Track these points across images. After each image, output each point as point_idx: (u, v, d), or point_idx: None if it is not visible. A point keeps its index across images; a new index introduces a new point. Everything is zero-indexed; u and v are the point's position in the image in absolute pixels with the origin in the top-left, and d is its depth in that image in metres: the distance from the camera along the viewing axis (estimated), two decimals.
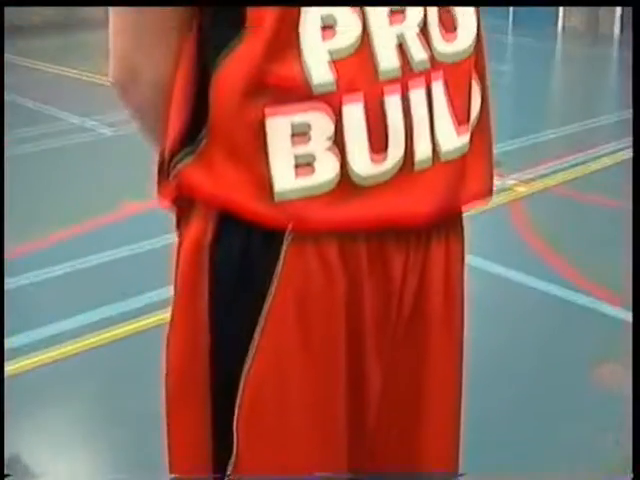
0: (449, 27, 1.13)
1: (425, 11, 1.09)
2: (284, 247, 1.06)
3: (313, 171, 1.04)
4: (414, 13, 1.08)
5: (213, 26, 1.06)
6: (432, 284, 1.18)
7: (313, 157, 1.04)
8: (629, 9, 11.56)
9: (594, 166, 5.82)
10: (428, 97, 1.09)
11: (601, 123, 7.15)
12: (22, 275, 4.03)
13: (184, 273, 1.13)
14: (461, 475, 1.31)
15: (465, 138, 1.15)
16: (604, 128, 7.01)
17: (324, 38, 1.02)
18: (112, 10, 1.09)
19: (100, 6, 13.63)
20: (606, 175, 5.63)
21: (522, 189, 5.32)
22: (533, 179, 5.49)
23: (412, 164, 1.09)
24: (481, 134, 1.21)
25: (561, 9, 13.70)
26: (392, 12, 1.06)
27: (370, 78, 1.04)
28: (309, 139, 1.04)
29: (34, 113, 7.81)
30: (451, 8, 1.12)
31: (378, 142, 1.06)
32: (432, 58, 1.10)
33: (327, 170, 1.05)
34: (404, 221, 1.10)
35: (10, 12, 14.56)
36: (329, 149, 1.04)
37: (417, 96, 1.08)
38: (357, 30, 1.04)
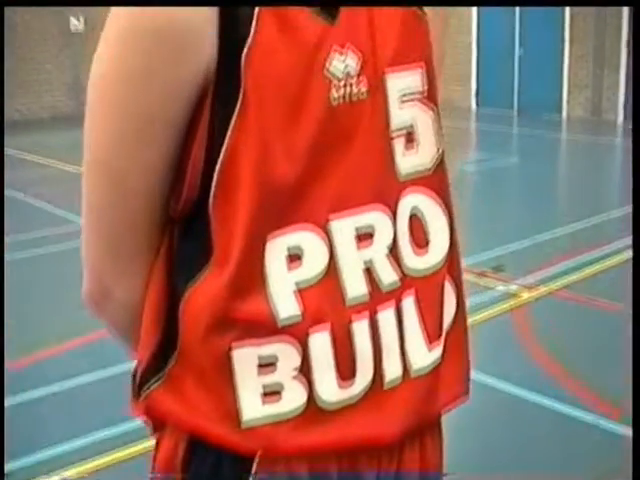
0: (421, 243, 1.13)
1: (395, 232, 1.09)
2: (254, 469, 1.06)
3: (280, 399, 1.04)
4: (383, 236, 1.08)
5: (181, 253, 1.08)
6: None
7: (280, 386, 1.04)
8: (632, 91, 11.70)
9: (599, 266, 5.82)
10: (398, 316, 1.09)
11: (606, 219, 7.17)
12: (24, 392, 4.00)
13: None
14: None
15: (438, 352, 1.15)
16: (609, 224, 7.03)
17: (290, 269, 1.02)
18: (84, 227, 1.11)
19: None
20: (611, 276, 5.62)
21: (525, 294, 5.31)
22: (536, 284, 5.48)
23: (381, 385, 1.08)
24: (456, 336, 1.20)
25: (565, 98, 13.86)
26: (360, 237, 1.06)
27: (337, 306, 1.04)
28: (276, 369, 1.04)
29: (40, 212, 7.87)
30: (423, 223, 1.13)
31: (346, 369, 1.05)
32: (403, 277, 1.10)
33: (294, 398, 1.05)
34: (373, 442, 1.09)
35: (17, 106, 14.86)
36: (296, 378, 1.04)
37: (386, 318, 1.08)
38: (324, 259, 1.04)
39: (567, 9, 13.70)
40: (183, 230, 1.08)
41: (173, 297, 1.07)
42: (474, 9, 15.05)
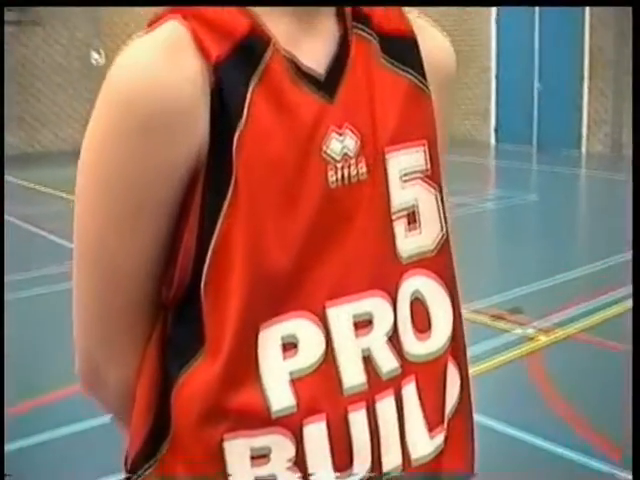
0: (422, 327, 1.09)
1: (395, 317, 1.05)
2: None
3: None
4: (382, 322, 1.04)
5: (174, 339, 1.04)
6: None
7: (274, 477, 1.00)
8: None
9: (618, 309, 5.73)
10: (398, 404, 1.05)
11: (627, 258, 7.07)
12: (26, 438, 3.95)
13: None
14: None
15: (440, 438, 1.10)
16: (629, 264, 6.93)
17: (285, 358, 0.99)
18: (74, 309, 1.08)
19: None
20: (630, 319, 5.53)
21: (543, 338, 5.24)
22: (553, 328, 5.40)
23: (380, 475, 1.04)
24: (460, 419, 1.16)
25: (584, 134, 13.83)
26: (357, 324, 1.03)
27: (333, 397, 1.00)
28: (269, 461, 1.00)
29: (58, 248, 7.87)
30: (425, 307, 1.09)
31: (342, 460, 1.01)
32: (403, 363, 1.06)
33: None
34: None
35: (38, 138, 14.95)
36: (290, 469, 1.00)
37: (385, 406, 1.03)
38: (320, 347, 1.00)
39: (587, 45, 13.69)
40: (176, 315, 1.04)
41: (166, 383, 1.04)
42: (494, 46, 15.07)
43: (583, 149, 13.90)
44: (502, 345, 5.00)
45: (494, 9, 14.90)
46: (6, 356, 4.50)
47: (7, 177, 12.00)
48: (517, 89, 14.71)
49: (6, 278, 6.67)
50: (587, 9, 13.58)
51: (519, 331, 5.31)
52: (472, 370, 3.94)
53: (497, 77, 15.20)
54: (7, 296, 6.15)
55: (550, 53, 14.14)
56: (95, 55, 15.20)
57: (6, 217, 9.18)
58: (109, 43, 15.07)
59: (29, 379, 4.60)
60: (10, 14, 14.15)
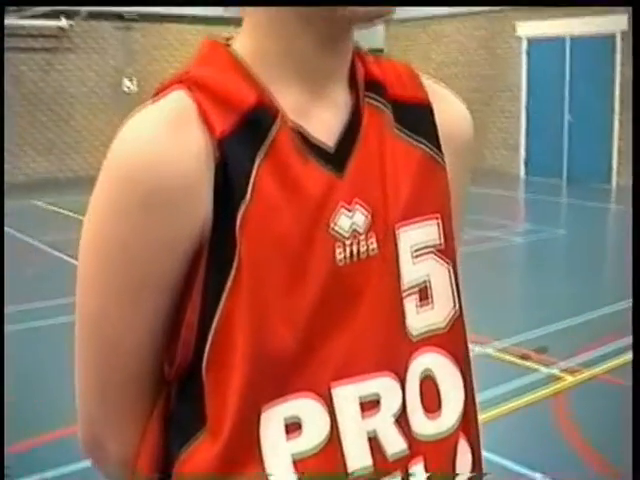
0: (433, 406, 1.05)
1: (404, 397, 1.02)
2: None
3: None
4: (390, 403, 1.01)
5: (176, 415, 1.02)
6: None
7: None
8: None
9: None
10: None
11: None
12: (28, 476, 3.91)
13: None
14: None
15: None
16: None
17: (288, 439, 0.96)
18: (76, 378, 1.06)
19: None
20: None
21: (568, 378, 5.16)
22: (580, 367, 5.32)
23: None
24: None
25: (614, 167, 13.74)
26: (364, 405, 1.00)
27: (337, 478, 0.97)
28: None
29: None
30: (435, 385, 1.06)
31: None
32: (411, 443, 1.02)
33: None
34: None
35: (69, 164, 15.06)
36: None
37: None
38: (325, 429, 0.97)
39: (617, 78, 13.64)
40: (178, 391, 1.02)
41: (167, 460, 1.01)
42: (524, 77, 15.04)
43: (613, 182, 13.80)
44: (528, 385, 4.92)
45: (525, 41, 14.89)
46: (26, 385, 4.50)
47: (36, 202, 12.13)
48: (547, 121, 14.66)
49: (33, 305, 6.71)
50: (618, 41, 13.54)
51: (545, 370, 5.23)
52: (496, 410, 3.89)
53: (527, 109, 15.17)
54: (35, 323, 6.19)
55: (581, 85, 14.09)
56: (127, 82, 15.35)
57: (34, 243, 9.26)
58: (141, 71, 15.20)
59: (59, 401, 4.57)
60: (45, 41, 14.35)
